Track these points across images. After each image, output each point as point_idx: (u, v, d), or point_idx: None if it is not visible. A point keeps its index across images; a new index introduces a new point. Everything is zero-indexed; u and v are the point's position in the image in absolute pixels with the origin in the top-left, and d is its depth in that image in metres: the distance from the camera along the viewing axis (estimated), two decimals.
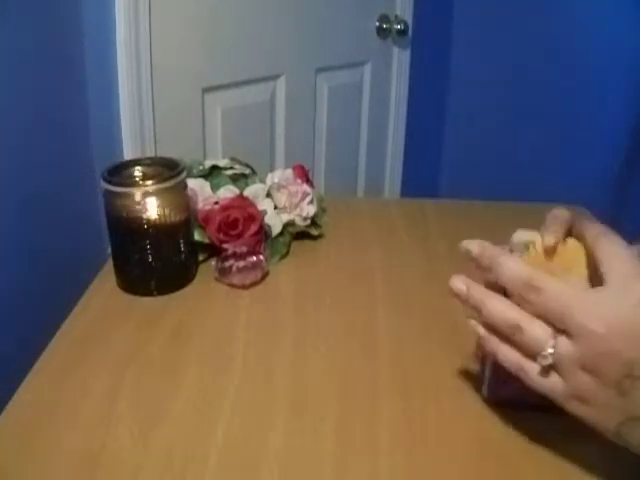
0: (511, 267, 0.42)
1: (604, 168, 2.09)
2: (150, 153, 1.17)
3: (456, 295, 0.45)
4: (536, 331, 0.40)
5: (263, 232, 0.78)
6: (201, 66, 1.26)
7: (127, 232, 0.70)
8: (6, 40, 0.83)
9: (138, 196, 0.67)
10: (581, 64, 2.01)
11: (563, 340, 0.39)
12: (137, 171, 0.73)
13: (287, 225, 0.82)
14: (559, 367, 0.40)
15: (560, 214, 0.47)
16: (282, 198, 0.82)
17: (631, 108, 2.01)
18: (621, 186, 2.08)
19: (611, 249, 0.41)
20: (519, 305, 0.42)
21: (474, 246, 0.46)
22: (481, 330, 0.44)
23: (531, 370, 0.41)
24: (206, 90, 1.28)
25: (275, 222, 0.80)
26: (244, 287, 0.73)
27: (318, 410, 0.54)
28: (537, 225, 0.50)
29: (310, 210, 0.83)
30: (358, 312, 0.69)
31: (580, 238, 0.45)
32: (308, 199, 0.83)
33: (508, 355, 0.43)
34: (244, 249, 0.74)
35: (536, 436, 0.50)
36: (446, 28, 2.09)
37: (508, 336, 0.42)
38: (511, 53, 2.05)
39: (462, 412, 0.54)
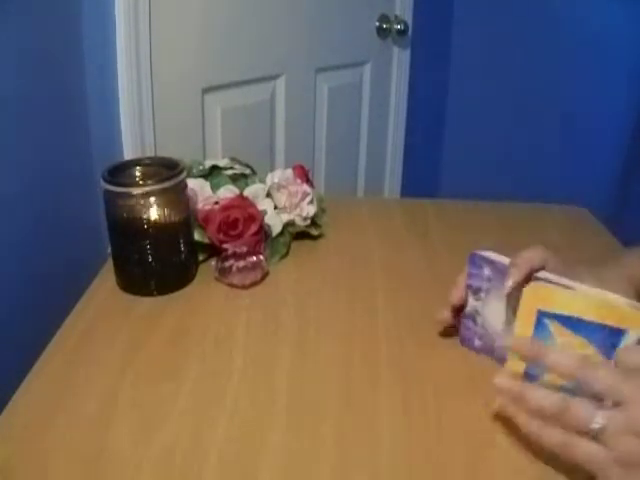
0: (561, 356, 0.45)
1: (604, 168, 2.09)
2: (150, 153, 1.17)
3: (500, 391, 0.48)
4: (581, 406, 0.42)
5: (263, 232, 0.78)
6: (201, 66, 1.26)
7: (127, 232, 0.70)
8: (6, 41, 0.83)
9: (138, 196, 0.67)
10: (581, 64, 2.01)
11: (609, 410, 0.41)
12: (137, 171, 0.74)
13: (287, 225, 0.82)
14: (605, 436, 0.41)
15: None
16: (282, 198, 0.82)
17: (631, 108, 2.01)
18: (621, 186, 2.08)
19: None
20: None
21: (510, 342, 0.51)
22: (521, 418, 0.46)
23: (577, 444, 0.43)
24: (206, 90, 1.28)
25: (275, 222, 0.80)
26: (244, 287, 0.73)
27: (318, 410, 0.54)
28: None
29: (310, 210, 0.83)
30: (358, 312, 0.69)
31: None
32: (308, 199, 0.83)
33: (552, 436, 0.44)
34: (244, 249, 0.74)
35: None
36: (446, 28, 2.09)
37: (555, 416, 0.44)
38: (511, 53, 2.05)
39: (462, 412, 0.54)
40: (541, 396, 0.44)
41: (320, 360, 0.61)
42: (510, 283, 0.53)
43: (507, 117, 2.12)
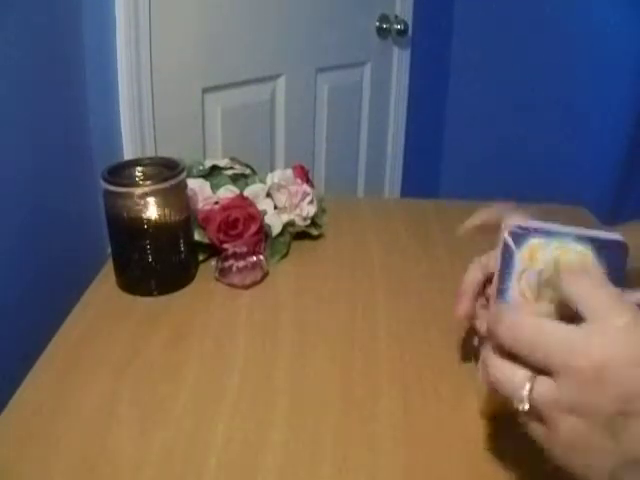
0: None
1: (604, 168, 2.09)
2: (150, 153, 1.17)
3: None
4: (507, 373, 0.37)
5: (263, 232, 0.78)
6: (201, 66, 1.26)
7: (127, 232, 0.70)
8: (6, 41, 0.83)
9: (138, 196, 0.67)
10: (582, 64, 2.01)
11: (543, 381, 0.35)
12: (137, 171, 0.74)
13: (287, 225, 0.82)
14: (540, 412, 0.36)
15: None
16: (282, 198, 0.82)
17: (632, 108, 2.01)
18: (621, 185, 2.08)
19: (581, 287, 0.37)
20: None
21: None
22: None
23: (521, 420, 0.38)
24: (206, 90, 1.28)
25: (275, 222, 0.80)
26: (244, 287, 0.73)
27: (318, 410, 0.54)
28: None
29: (310, 210, 0.83)
30: (358, 311, 0.69)
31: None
32: (308, 199, 0.83)
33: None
34: (244, 249, 0.74)
35: None
36: (446, 28, 2.09)
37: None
38: (511, 53, 2.05)
39: (462, 411, 0.54)
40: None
41: (320, 360, 0.61)
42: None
43: (507, 117, 2.12)
